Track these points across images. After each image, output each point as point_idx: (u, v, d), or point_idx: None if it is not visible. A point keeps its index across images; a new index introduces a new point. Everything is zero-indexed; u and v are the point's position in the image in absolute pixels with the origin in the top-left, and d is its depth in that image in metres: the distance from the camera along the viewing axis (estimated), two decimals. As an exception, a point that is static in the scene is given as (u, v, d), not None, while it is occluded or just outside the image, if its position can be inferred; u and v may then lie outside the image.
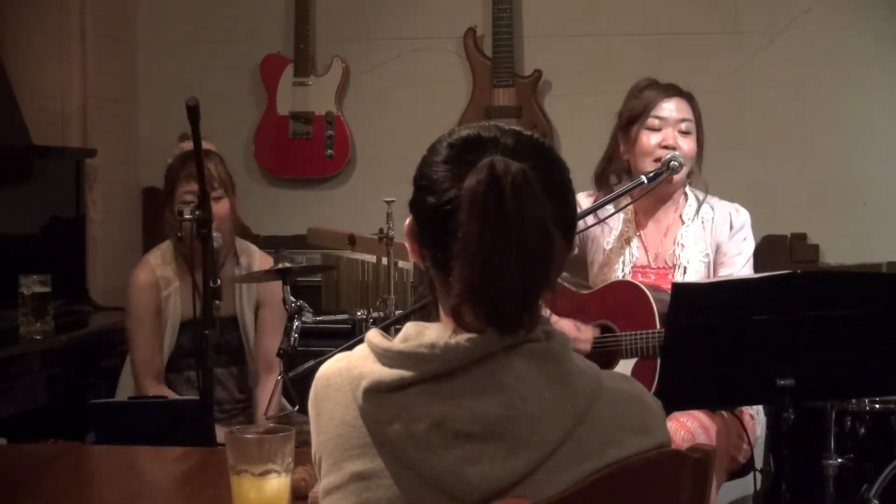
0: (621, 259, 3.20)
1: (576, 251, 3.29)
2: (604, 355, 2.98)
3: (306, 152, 4.92)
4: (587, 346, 2.99)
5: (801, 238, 4.64)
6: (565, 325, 2.99)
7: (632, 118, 3.19)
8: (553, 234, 1.39)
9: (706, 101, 3.27)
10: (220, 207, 3.41)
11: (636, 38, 4.75)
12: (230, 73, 4.99)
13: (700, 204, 3.22)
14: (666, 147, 3.13)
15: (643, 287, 3.00)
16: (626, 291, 3.05)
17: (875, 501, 3.32)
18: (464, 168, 1.41)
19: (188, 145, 3.51)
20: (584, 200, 3.21)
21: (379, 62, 4.94)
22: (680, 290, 2.64)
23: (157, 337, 3.49)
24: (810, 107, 4.67)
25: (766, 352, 2.58)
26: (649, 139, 3.15)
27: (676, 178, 3.15)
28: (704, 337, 2.59)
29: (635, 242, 3.22)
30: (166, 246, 3.56)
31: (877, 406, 3.44)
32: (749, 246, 3.20)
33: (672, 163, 3.10)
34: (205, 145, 3.50)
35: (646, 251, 3.22)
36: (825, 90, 4.66)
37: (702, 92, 3.28)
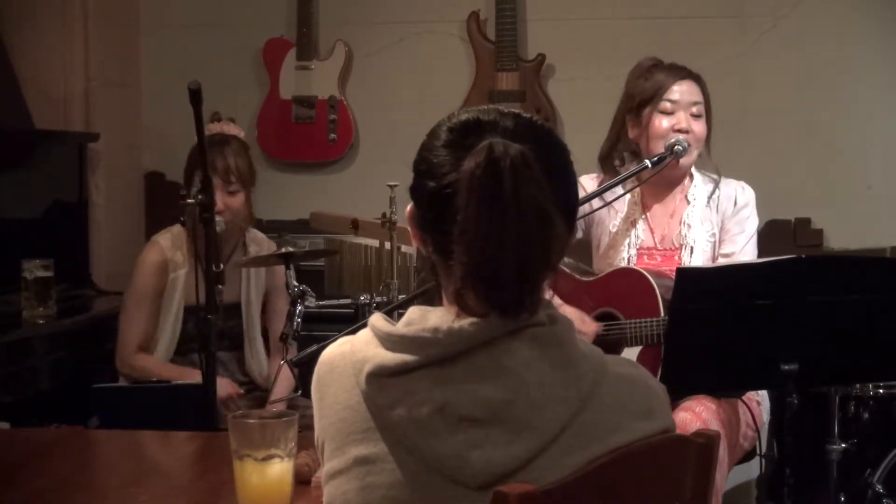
0: (627, 241, 3.18)
1: (580, 234, 3.27)
2: (608, 344, 2.97)
3: (309, 136, 4.90)
4: (589, 342, 2.98)
5: (805, 222, 4.62)
6: (570, 313, 2.97)
7: (643, 101, 3.14)
8: (552, 216, 1.38)
9: (710, 85, 3.25)
10: (234, 200, 3.47)
11: (640, 22, 4.72)
12: (233, 57, 4.98)
13: (706, 184, 3.20)
14: (679, 130, 3.10)
15: (646, 274, 2.99)
16: (629, 279, 3.03)
17: (878, 486, 3.32)
18: (463, 152, 1.40)
19: (217, 126, 3.54)
20: (588, 183, 3.19)
21: (382, 46, 4.92)
22: (684, 274, 2.63)
23: (153, 319, 3.50)
24: (815, 91, 4.65)
25: (770, 337, 2.57)
26: (661, 122, 3.11)
27: (684, 161, 3.12)
28: (708, 321, 2.58)
29: (641, 225, 3.20)
30: (177, 230, 3.55)
31: (881, 391, 3.44)
32: (752, 224, 3.17)
33: (676, 147, 3.07)
34: (231, 131, 3.59)
35: (652, 233, 3.19)
36: (830, 74, 4.64)
37: (706, 75, 3.26)
